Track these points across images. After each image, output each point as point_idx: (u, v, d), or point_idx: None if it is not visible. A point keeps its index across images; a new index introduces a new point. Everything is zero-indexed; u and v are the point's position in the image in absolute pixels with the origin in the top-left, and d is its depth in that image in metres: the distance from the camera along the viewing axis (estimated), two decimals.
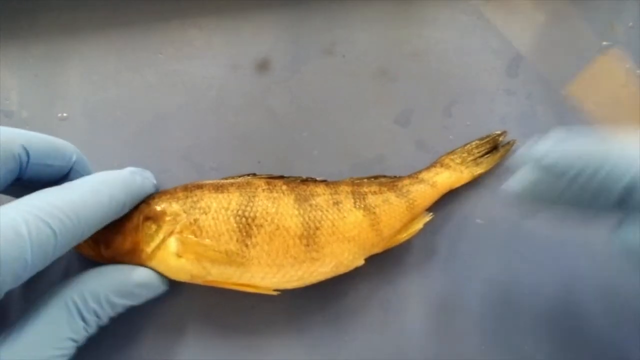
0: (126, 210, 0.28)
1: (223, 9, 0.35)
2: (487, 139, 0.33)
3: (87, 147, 0.30)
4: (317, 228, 0.28)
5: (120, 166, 0.30)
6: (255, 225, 0.28)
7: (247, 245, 0.28)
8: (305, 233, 0.28)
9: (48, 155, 0.27)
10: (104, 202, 0.26)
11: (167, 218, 0.28)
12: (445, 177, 0.31)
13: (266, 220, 0.28)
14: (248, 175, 0.31)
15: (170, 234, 0.28)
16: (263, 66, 0.35)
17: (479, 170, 0.32)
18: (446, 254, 0.32)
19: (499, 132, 0.33)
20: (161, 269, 0.28)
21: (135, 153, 0.33)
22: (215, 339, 0.31)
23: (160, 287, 0.29)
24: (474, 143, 0.33)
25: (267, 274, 0.28)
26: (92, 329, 0.27)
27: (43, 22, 0.35)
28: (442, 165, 0.32)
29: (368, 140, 0.34)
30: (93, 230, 0.26)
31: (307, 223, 0.28)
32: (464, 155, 0.32)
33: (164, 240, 0.28)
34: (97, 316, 0.26)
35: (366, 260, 0.30)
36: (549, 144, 0.23)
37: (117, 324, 0.32)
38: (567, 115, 0.34)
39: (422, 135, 0.34)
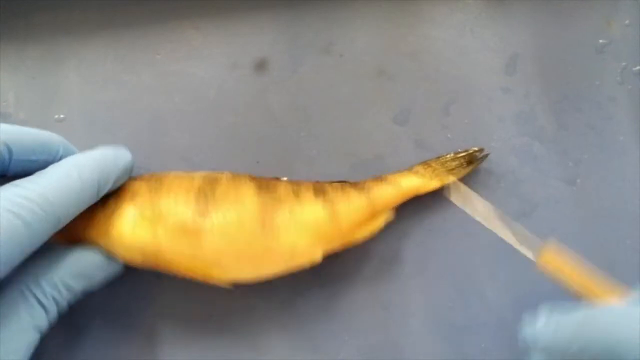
0: (103, 191, 0.27)
1: (221, 9, 0.35)
2: (464, 154, 0.32)
3: (85, 148, 0.29)
4: (275, 212, 0.28)
5: None
6: (214, 200, 0.28)
7: (202, 215, 0.28)
8: (262, 213, 0.28)
9: (33, 151, 0.26)
10: (75, 186, 0.26)
11: (128, 193, 0.29)
12: (411, 181, 0.31)
13: (225, 198, 0.28)
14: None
15: (129, 203, 0.28)
16: (261, 66, 0.35)
17: (449, 179, 0.32)
18: (446, 252, 0.32)
19: (476, 148, 0.33)
20: (114, 242, 0.28)
21: (133, 154, 0.33)
22: (214, 339, 0.31)
23: (114, 268, 0.28)
24: (449, 156, 0.32)
25: (219, 245, 0.28)
26: (53, 316, 0.26)
27: (40, 24, 0.35)
28: (411, 172, 0.32)
29: (367, 140, 0.34)
30: (71, 217, 0.26)
31: (265, 205, 0.29)
32: (437, 166, 0.32)
33: (120, 208, 0.28)
34: (56, 301, 0.26)
35: (324, 258, 0.29)
36: (541, 327, 0.25)
37: (115, 325, 0.32)
38: (565, 115, 0.34)
39: (420, 134, 0.34)
